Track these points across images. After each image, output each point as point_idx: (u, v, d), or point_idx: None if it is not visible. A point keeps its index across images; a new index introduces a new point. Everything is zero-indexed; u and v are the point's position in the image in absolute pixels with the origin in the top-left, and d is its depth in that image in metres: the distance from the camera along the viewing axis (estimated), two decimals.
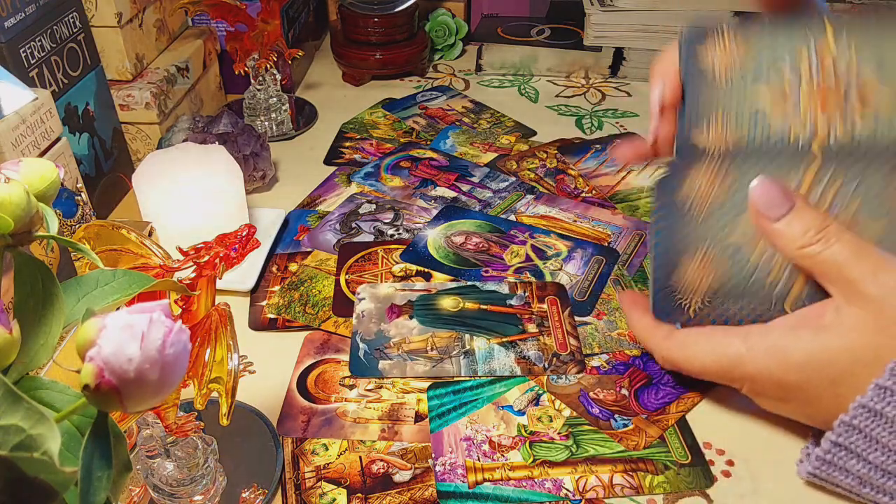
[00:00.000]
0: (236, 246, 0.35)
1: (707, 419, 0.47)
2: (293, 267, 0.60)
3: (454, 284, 0.57)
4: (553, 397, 0.48)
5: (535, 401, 0.48)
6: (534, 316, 0.54)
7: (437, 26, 0.96)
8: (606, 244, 0.62)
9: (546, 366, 0.50)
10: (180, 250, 0.35)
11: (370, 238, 0.63)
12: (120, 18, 0.66)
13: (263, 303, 0.56)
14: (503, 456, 0.45)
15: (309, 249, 0.62)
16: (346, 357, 0.51)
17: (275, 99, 0.78)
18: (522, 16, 1.03)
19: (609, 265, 0.60)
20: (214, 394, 0.35)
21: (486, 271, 0.59)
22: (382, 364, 0.50)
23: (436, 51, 0.97)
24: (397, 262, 0.60)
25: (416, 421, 0.47)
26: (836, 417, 0.38)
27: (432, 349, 0.52)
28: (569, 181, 0.70)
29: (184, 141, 0.64)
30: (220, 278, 0.35)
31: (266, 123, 0.79)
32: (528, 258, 0.60)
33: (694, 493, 0.43)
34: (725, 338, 0.43)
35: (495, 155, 0.75)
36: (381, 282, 0.58)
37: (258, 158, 0.67)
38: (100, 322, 0.20)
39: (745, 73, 0.43)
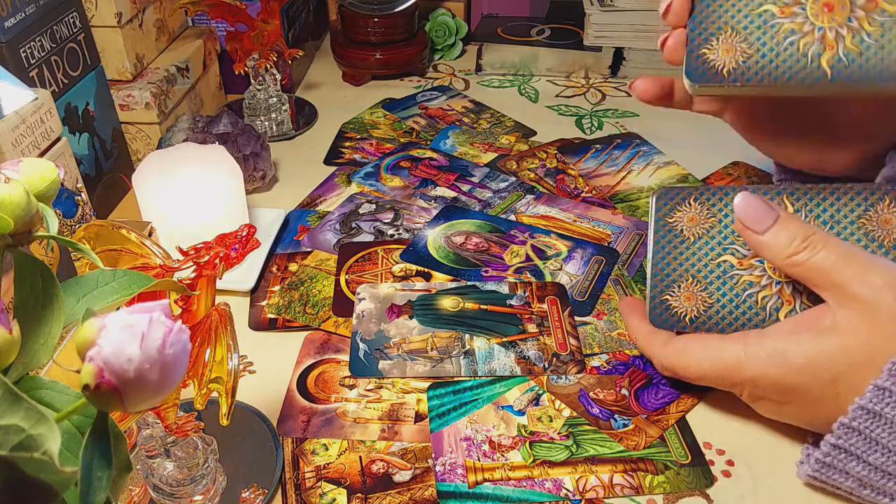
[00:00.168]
0: (236, 246, 0.35)
1: (707, 419, 0.47)
2: (293, 267, 0.60)
3: (454, 284, 0.57)
4: (553, 397, 0.48)
5: (535, 401, 0.48)
6: (534, 316, 0.54)
7: (437, 26, 0.96)
8: (606, 244, 0.62)
9: (546, 366, 0.50)
10: (180, 250, 0.35)
11: (370, 238, 0.63)
12: (120, 18, 0.66)
13: (263, 303, 0.56)
14: (503, 456, 0.45)
15: (309, 249, 0.62)
16: (346, 357, 0.51)
17: (275, 99, 0.78)
18: (522, 16, 1.03)
19: (609, 265, 0.60)
20: (214, 394, 0.35)
21: (486, 271, 0.59)
22: (382, 364, 0.50)
23: (436, 51, 0.97)
24: (397, 262, 0.60)
25: (416, 421, 0.47)
26: (835, 420, 0.38)
27: (432, 349, 0.52)
28: (569, 181, 0.70)
29: (184, 141, 0.64)
30: (220, 278, 0.35)
31: (266, 123, 0.79)
32: (528, 258, 0.60)
33: (694, 493, 0.43)
34: (724, 343, 0.43)
35: (495, 155, 0.75)
36: (381, 282, 0.58)
37: (258, 158, 0.67)
38: (100, 322, 0.20)
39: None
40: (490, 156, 0.75)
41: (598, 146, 0.76)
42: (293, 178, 0.71)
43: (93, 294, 0.27)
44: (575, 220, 0.65)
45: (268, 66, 0.76)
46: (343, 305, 0.56)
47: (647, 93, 0.52)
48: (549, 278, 0.58)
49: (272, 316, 0.55)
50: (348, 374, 0.50)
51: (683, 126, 0.77)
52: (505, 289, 0.57)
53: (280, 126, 0.79)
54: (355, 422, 0.47)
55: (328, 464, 0.44)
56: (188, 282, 0.35)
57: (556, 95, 0.87)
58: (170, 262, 0.35)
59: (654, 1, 0.86)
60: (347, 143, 0.77)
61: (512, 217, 0.65)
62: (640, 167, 0.72)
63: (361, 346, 0.52)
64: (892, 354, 0.37)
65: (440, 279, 0.58)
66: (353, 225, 0.64)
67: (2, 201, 0.24)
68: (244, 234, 0.35)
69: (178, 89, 0.73)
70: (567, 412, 0.47)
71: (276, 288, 0.57)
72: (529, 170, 0.72)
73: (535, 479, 0.43)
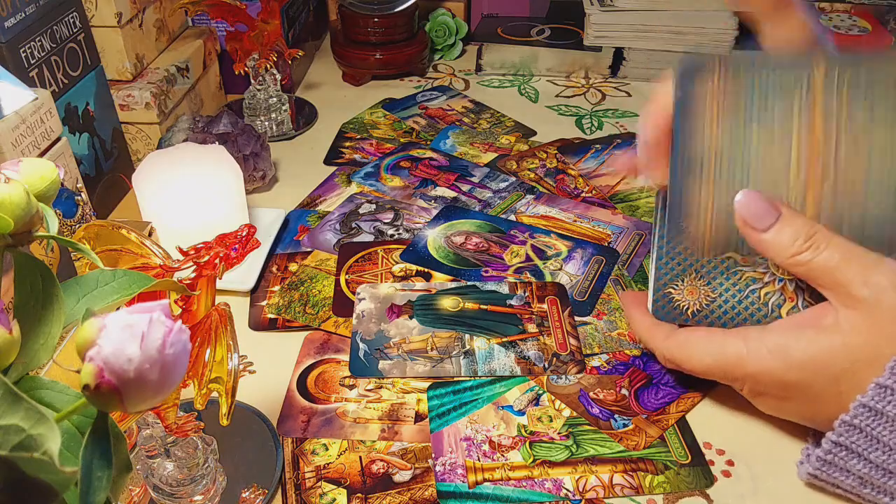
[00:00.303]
0: (236, 246, 0.35)
1: (707, 419, 0.47)
2: (293, 267, 0.60)
3: (454, 284, 0.57)
4: (553, 397, 0.48)
5: (535, 401, 0.48)
6: (534, 316, 0.54)
7: (437, 26, 0.96)
8: (606, 244, 0.62)
9: (546, 366, 0.50)
10: (180, 250, 0.35)
11: (370, 238, 0.63)
12: (120, 18, 0.66)
13: (263, 303, 0.56)
14: (503, 456, 0.45)
15: (309, 249, 0.62)
16: (346, 357, 0.51)
17: (275, 99, 0.78)
18: (522, 16, 1.03)
19: (609, 265, 0.60)
20: (214, 394, 0.35)
21: (486, 271, 0.59)
22: (382, 364, 0.50)
23: (436, 51, 0.97)
24: (397, 262, 0.60)
25: (416, 421, 0.47)
26: (836, 417, 0.38)
27: (432, 349, 0.52)
28: (569, 181, 0.70)
29: (184, 141, 0.64)
30: (220, 278, 0.35)
31: (266, 123, 0.79)
32: (528, 258, 0.60)
33: (694, 493, 0.43)
34: (726, 338, 0.43)
35: (495, 155, 0.75)
36: (381, 282, 0.58)
37: (258, 158, 0.67)
38: (100, 322, 0.20)
39: (737, 112, 0.43)
40: (490, 156, 0.75)
41: (598, 146, 0.76)
42: (293, 178, 0.71)
43: (93, 294, 0.27)
44: (575, 220, 0.65)
45: (268, 66, 0.76)
46: (343, 305, 0.56)
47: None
48: (549, 278, 0.58)
49: (272, 316, 0.55)
50: (348, 374, 0.50)
51: None
52: (505, 289, 0.57)
53: (280, 126, 0.79)
54: (355, 422, 0.47)
55: (328, 464, 0.44)
56: (188, 282, 0.35)
57: (556, 95, 0.87)
58: (170, 262, 0.35)
59: (654, 1, 0.86)
60: (347, 143, 0.77)
61: (512, 217, 0.65)
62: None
63: (361, 346, 0.52)
64: (894, 353, 0.37)
65: (440, 279, 0.58)
66: (353, 225, 0.64)
67: (2, 201, 0.24)
68: (244, 234, 0.35)
69: (178, 89, 0.73)
70: (567, 412, 0.47)
71: (276, 288, 0.57)
72: (529, 170, 0.72)
73: (535, 479, 0.43)
